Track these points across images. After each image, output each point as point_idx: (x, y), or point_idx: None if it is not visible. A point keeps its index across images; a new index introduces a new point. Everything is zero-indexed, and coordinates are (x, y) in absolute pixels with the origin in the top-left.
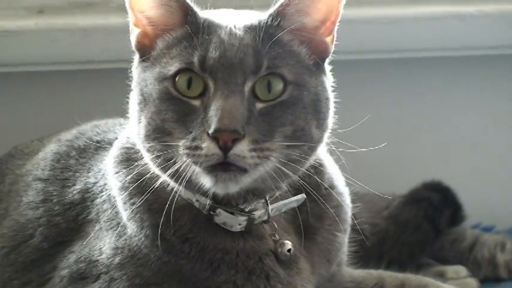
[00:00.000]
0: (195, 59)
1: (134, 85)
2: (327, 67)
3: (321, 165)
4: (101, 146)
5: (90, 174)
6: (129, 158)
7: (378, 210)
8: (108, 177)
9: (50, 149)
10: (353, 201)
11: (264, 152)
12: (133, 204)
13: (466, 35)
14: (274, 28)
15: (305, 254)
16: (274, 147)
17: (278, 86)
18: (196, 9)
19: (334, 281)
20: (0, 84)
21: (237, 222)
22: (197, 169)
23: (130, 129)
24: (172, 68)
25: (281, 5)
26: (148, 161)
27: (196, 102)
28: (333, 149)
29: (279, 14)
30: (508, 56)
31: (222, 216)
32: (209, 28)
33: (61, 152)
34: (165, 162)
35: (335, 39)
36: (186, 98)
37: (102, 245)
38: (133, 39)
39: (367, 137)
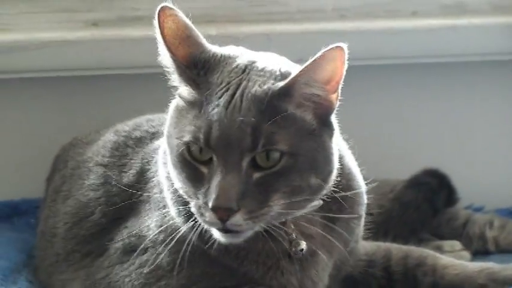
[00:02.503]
0: (201, 136)
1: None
2: (333, 119)
3: (341, 157)
4: (154, 137)
5: (144, 161)
6: None
7: (384, 194)
8: (158, 166)
9: (109, 139)
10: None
11: (259, 217)
12: (173, 192)
13: (458, 44)
14: (282, 100)
15: (326, 243)
16: (270, 209)
17: (275, 155)
18: (203, 65)
19: (352, 255)
20: (61, 86)
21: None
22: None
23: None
24: (186, 137)
25: (292, 80)
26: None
27: (205, 170)
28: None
29: (288, 87)
30: (497, 61)
31: None
32: (214, 95)
33: (119, 142)
34: (186, 193)
35: (339, 96)
36: (197, 164)
37: (150, 222)
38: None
39: (375, 132)
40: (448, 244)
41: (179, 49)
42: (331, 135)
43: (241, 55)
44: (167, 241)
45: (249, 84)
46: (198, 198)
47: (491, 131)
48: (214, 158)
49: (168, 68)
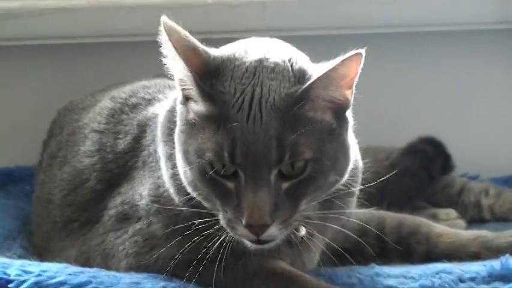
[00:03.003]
0: (225, 154)
1: (178, 120)
2: (348, 112)
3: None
4: (150, 104)
5: (140, 128)
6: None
7: (380, 161)
8: (157, 140)
9: (105, 106)
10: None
11: (291, 224)
12: (174, 174)
13: (457, 12)
14: (300, 106)
15: (320, 226)
16: (300, 214)
17: (300, 164)
18: (212, 73)
19: (345, 226)
20: (57, 54)
21: None
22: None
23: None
24: (207, 155)
25: (310, 85)
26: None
27: (231, 185)
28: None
29: (306, 93)
30: (496, 30)
31: None
32: (231, 111)
33: (116, 108)
34: (205, 202)
35: (354, 92)
36: (221, 179)
37: (143, 190)
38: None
39: (372, 99)
40: (443, 212)
41: (193, 59)
42: (347, 128)
43: (246, 53)
44: (161, 212)
45: (264, 91)
46: (225, 212)
47: (488, 99)
48: (241, 174)
49: (183, 82)
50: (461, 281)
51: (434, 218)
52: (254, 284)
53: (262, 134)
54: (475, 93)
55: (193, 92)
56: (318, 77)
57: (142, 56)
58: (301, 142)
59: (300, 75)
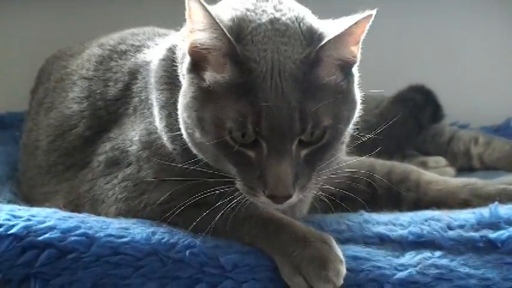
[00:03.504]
0: (250, 126)
1: (187, 88)
2: (354, 68)
3: None
4: (139, 50)
5: (130, 75)
6: (172, 75)
7: (370, 109)
8: (150, 87)
9: (94, 53)
10: None
11: (309, 187)
12: (169, 123)
13: None
14: (315, 70)
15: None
16: (315, 178)
17: (319, 131)
18: (235, 41)
19: (336, 174)
20: (48, 2)
21: None
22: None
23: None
24: (228, 124)
25: (322, 47)
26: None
27: (251, 153)
28: None
29: (318, 55)
30: None
31: None
32: (254, 80)
33: (104, 55)
34: (215, 164)
35: (360, 47)
36: (241, 148)
37: (134, 136)
38: (186, 44)
39: (364, 48)
40: (432, 160)
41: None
42: (354, 81)
43: (255, 11)
44: (151, 158)
45: (280, 58)
46: (245, 179)
47: (480, 49)
48: (264, 144)
49: (205, 48)
50: (450, 228)
51: (424, 165)
52: (244, 230)
53: (286, 105)
54: (466, 42)
55: (218, 59)
56: (330, 39)
57: (131, 2)
58: (321, 111)
59: (310, 36)
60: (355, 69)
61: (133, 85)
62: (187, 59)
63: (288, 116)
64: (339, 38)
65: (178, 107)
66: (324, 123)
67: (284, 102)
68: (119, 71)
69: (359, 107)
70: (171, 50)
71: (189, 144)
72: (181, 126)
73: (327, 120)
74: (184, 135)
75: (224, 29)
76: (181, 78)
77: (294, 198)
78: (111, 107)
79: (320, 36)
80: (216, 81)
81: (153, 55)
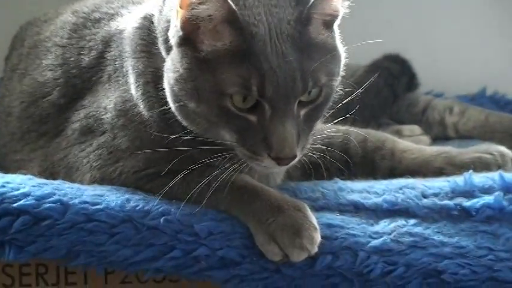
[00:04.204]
0: (254, 88)
1: (178, 61)
2: (335, 25)
3: None
4: (113, 19)
5: (104, 43)
6: (148, 44)
7: (345, 78)
8: (125, 55)
9: (68, 20)
10: None
11: (307, 146)
12: (146, 91)
13: None
14: (307, 29)
15: None
16: (311, 137)
17: (316, 89)
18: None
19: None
20: None
21: None
22: (250, 164)
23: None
24: (230, 89)
25: (311, 6)
26: (177, 114)
27: (253, 118)
28: None
29: (309, 13)
30: None
31: None
32: (256, 43)
33: (78, 23)
34: (205, 133)
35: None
36: (242, 113)
37: (108, 103)
38: (180, 20)
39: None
40: (407, 128)
41: None
42: (337, 37)
43: None
44: (127, 126)
45: (274, 20)
46: (246, 145)
47: (454, 17)
48: (266, 107)
49: (210, 18)
50: (425, 196)
51: (399, 134)
52: (218, 197)
53: (287, 66)
54: (441, 11)
55: (217, 27)
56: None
57: None
58: (318, 69)
59: None
60: (336, 26)
61: (107, 53)
62: (178, 33)
63: (290, 76)
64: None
65: (164, 81)
66: (322, 81)
67: (285, 63)
68: (93, 39)
69: (343, 61)
70: (147, 19)
71: (179, 117)
72: (170, 99)
73: (323, 78)
74: (173, 108)
75: None
76: (162, 51)
77: (296, 160)
78: (85, 75)
79: None
80: (215, 49)
81: (126, 23)
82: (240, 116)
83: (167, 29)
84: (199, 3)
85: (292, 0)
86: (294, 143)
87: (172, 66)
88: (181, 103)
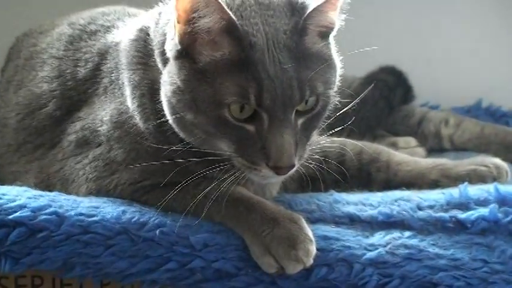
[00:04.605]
0: (252, 97)
1: (175, 73)
2: (331, 36)
3: None
4: (109, 31)
5: (100, 56)
6: (144, 56)
7: (341, 90)
8: (121, 68)
9: (64, 32)
10: None
11: (305, 156)
12: (142, 103)
13: None
14: (303, 40)
15: None
16: (309, 148)
17: (313, 98)
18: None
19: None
20: None
21: None
22: (247, 175)
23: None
24: (228, 99)
25: (307, 17)
26: (175, 126)
27: (251, 128)
28: None
29: (305, 24)
30: None
31: None
32: (254, 53)
33: (74, 35)
34: (203, 144)
35: (338, 11)
36: (240, 123)
37: (104, 115)
38: (178, 34)
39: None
40: (403, 140)
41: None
42: (332, 48)
43: None
44: (122, 138)
45: (270, 30)
46: (244, 155)
47: (450, 30)
48: (264, 116)
49: (209, 30)
50: (420, 208)
51: (394, 146)
52: (214, 209)
53: (285, 75)
54: (437, 23)
55: (215, 38)
56: (314, 8)
57: None
58: (314, 78)
59: (291, 6)
60: (331, 37)
61: (103, 65)
62: (176, 47)
63: (288, 85)
64: (321, 6)
65: (161, 93)
66: (319, 90)
67: (282, 72)
68: (89, 52)
69: (339, 71)
70: (143, 31)
71: (177, 129)
72: (167, 111)
73: (320, 87)
74: (171, 120)
75: (225, 7)
76: (159, 63)
77: (294, 170)
78: (81, 87)
79: (303, 5)
80: (214, 60)
81: (122, 35)
82: (237, 126)
83: (163, 43)
84: (200, 17)
85: (287, 11)
86: (292, 152)
87: (169, 78)
88: (179, 115)
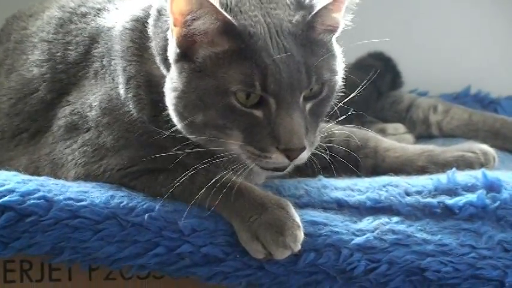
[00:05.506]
0: (257, 84)
1: (176, 77)
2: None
3: None
4: (99, 14)
5: (91, 40)
6: (140, 47)
7: None
8: (115, 55)
9: (54, 15)
10: None
11: (315, 145)
12: (137, 93)
13: None
14: (310, 31)
15: None
16: (319, 135)
17: (318, 85)
18: (230, 15)
19: None
20: None
21: None
22: (255, 166)
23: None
24: (233, 87)
25: (314, 15)
26: (183, 130)
27: (258, 113)
28: None
29: (313, 19)
30: None
31: None
32: (256, 42)
33: (64, 18)
34: (211, 144)
35: (343, 13)
36: (247, 109)
37: (93, 101)
38: (174, 37)
39: None
40: (391, 127)
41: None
42: (334, 40)
43: None
44: (112, 124)
45: (273, 20)
46: (253, 142)
47: (438, 17)
48: (271, 101)
49: (206, 31)
50: (408, 194)
51: (383, 132)
52: (202, 195)
53: (291, 60)
54: (425, 9)
55: (213, 37)
56: (322, 7)
57: None
58: (321, 65)
59: (298, 2)
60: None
61: (94, 50)
62: (176, 51)
63: (295, 69)
64: (330, 5)
65: (167, 102)
66: (325, 77)
67: (288, 58)
68: (80, 35)
69: (342, 63)
70: (140, 22)
71: (187, 135)
72: (176, 119)
73: (326, 74)
74: (180, 127)
75: (220, 9)
76: (163, 70)
77: (305, 154)
78: (71, 70)
79: (311, 3)
80: (214, 53)
81: (115, 21)
82: (246, 113)
83: (165, 48)
84: (194, 19)
85: (291, 4)
86: (302, 132)
87: (171, 85)
88: (188, 120)
